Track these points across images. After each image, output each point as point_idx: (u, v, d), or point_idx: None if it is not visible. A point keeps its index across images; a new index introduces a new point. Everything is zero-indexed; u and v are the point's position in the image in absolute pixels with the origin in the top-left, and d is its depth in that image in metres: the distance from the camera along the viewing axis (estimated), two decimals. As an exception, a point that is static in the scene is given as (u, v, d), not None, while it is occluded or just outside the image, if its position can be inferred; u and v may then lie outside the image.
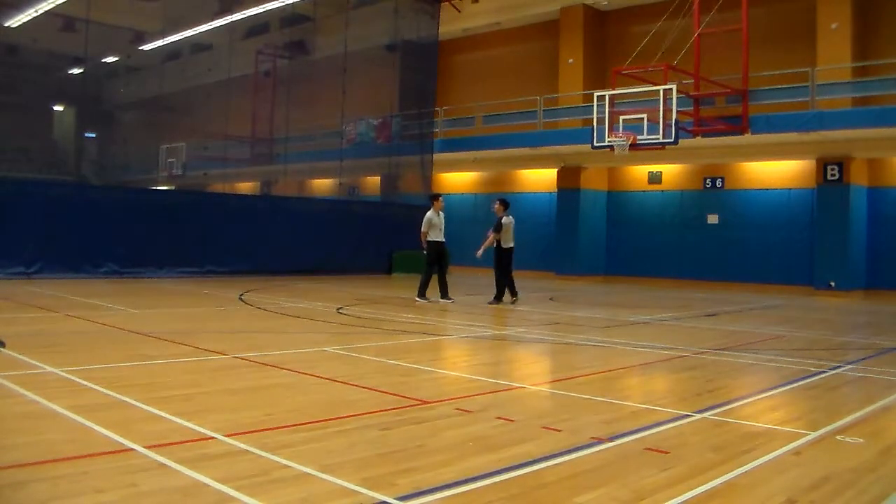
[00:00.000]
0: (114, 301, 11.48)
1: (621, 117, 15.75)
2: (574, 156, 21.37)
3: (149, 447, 3.77)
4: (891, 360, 7.84)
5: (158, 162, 21.85)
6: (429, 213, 13.12)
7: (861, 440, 4.43)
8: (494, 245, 12.97)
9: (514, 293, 13.17)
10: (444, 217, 13.32)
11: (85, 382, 5.35)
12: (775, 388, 6.20)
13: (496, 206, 13.19)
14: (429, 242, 13.03)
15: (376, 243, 21.35)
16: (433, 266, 13.07)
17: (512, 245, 13.00)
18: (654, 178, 21.96)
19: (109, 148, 21.89)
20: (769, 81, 17.97)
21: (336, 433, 4.26)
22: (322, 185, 26.85)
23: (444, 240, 13.13)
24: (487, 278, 20.46)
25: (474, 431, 4.37)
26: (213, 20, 21.93)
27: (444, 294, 13.00)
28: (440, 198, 13.69)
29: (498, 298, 13.06)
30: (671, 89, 15.12)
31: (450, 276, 13.37)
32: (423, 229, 13.10)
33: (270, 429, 4.29)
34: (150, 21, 21.06)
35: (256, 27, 23.69)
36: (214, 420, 4.39)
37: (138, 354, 6.76)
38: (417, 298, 12.94)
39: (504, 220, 12.88)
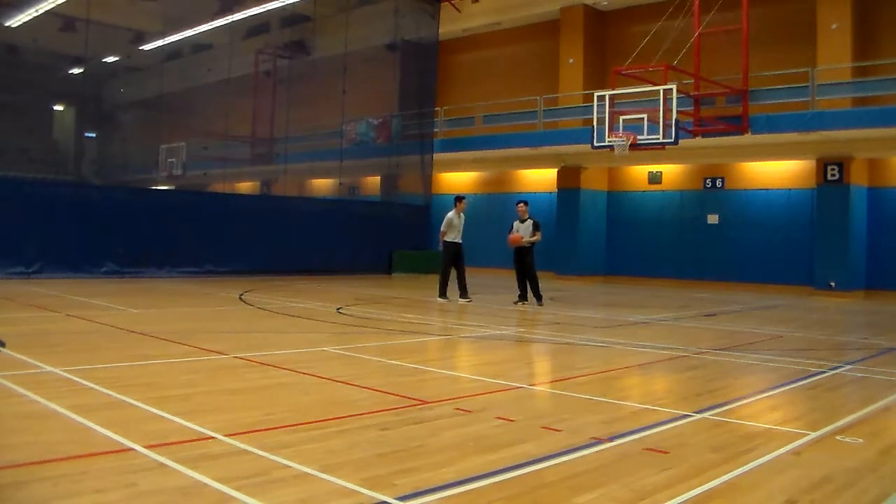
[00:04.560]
0: (114, 301, 11.48)
1: (621, 117, 15.74)
2: (574, 156, 21.36)
3: (149, 447, 3.77)
4: (891, 360, 7.83)
5: (158, 162, 21.84)
6: (450, 214, 13.23)
7: (861, 440, 4.43)
8: (527, 245, 12.75)
9: (531, 295, 13.06)
10: (465, 219, 13.42)
11: (85, 382, 5.35)
12: (775, 388, 6.20)
13: (521, 206, 13.06)
14: (444, 243, 13.21)
15: (376, 243, 21.38)
16: (449, 266, 13.24)
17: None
18: (654, 178, 21.95)
19: (109, 148, 21.88)
20: (769, 81, 17.95)
21: (336, 433, 4.26)
22: (322, 185, 26.82)
23: (460, 241, 13.24)
24: (488, 279, 20.52)
25: (474, 431, 4.37)
26: (213, 20, 21.93)
27: (463, 293, 13.14)
28: (464, 199, 13.75)
29: (538, 297, 12.94)
30: (671, 89, 15.11)
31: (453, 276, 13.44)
32: (442, 229, 13.24)
33: (270, 429, 4.29)
34: (150, 21, 21.06)
35: (256, 27, 23.69)
36: (214, 420, 4.39)
37: (138, 354, 6.76)
38: (438, 298, 13.11)
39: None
